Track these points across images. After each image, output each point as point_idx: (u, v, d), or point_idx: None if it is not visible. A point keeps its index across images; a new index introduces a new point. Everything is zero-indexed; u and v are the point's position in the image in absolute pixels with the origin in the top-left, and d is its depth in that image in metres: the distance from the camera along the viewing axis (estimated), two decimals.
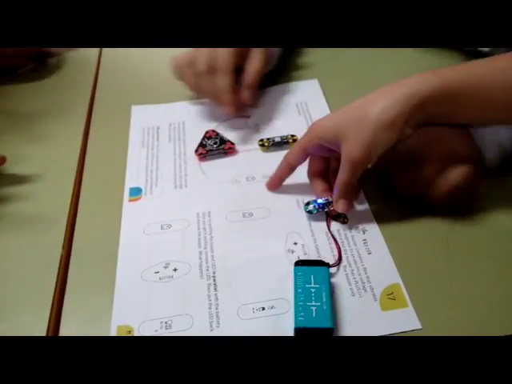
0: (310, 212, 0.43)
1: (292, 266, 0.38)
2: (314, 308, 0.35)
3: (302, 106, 0.55)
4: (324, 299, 0.36)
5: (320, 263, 0.38)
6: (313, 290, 0.36)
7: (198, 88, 0.53)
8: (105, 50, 0.67)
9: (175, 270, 0.40)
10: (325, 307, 0.35)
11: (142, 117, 0.56)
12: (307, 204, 0.44)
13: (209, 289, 0.39)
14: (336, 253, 0.40)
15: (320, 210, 0.43)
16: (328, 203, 0.43)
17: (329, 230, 0.43)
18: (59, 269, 0.40)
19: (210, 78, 0.50)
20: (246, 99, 0.52)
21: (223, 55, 0.49)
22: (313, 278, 0.37)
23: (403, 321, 0.36)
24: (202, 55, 0.50)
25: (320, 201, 0.43)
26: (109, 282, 0.39)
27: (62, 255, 0.41)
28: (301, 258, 0.40)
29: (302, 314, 0.35)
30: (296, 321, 0.35)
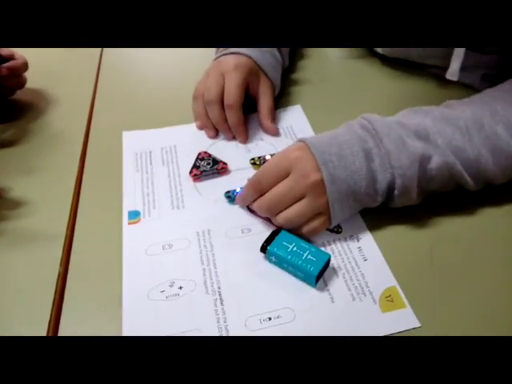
0: (229, 197, 0.49)
1: (291, 277, 0.41)
2: (309, 256, 0.41)
3: (288, 130, 0.58)
4: (306, 246, 0.42)
5: (276, 233, 0.43)
6: (295, 249, 0.42)
7: (206, 118, 0.57)
8: (101, 77, 0.69)
9: (181, 287, 0.41)
10: (313, 249, 0.41)
11: (134, 142, 0.57)
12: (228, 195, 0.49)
13: (215, 304, 0.40)
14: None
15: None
16: None
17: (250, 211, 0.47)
18: (57, 285, 0.41)
19: (219, 109, 0.55)
20: (272, 131, 0.57)
21: (233, 91, 0.54)
22: (286, 243, 0.42)
23: (403, 320, 0.38)
24: (211, 86, 0.55)
25: (239, 190, 0.48)
26: (105, 299, 0.40)
27: (59, 272, 0.42)
28: None
29: (309, 265, 0.40)
30: (310, 273, 0.40)
